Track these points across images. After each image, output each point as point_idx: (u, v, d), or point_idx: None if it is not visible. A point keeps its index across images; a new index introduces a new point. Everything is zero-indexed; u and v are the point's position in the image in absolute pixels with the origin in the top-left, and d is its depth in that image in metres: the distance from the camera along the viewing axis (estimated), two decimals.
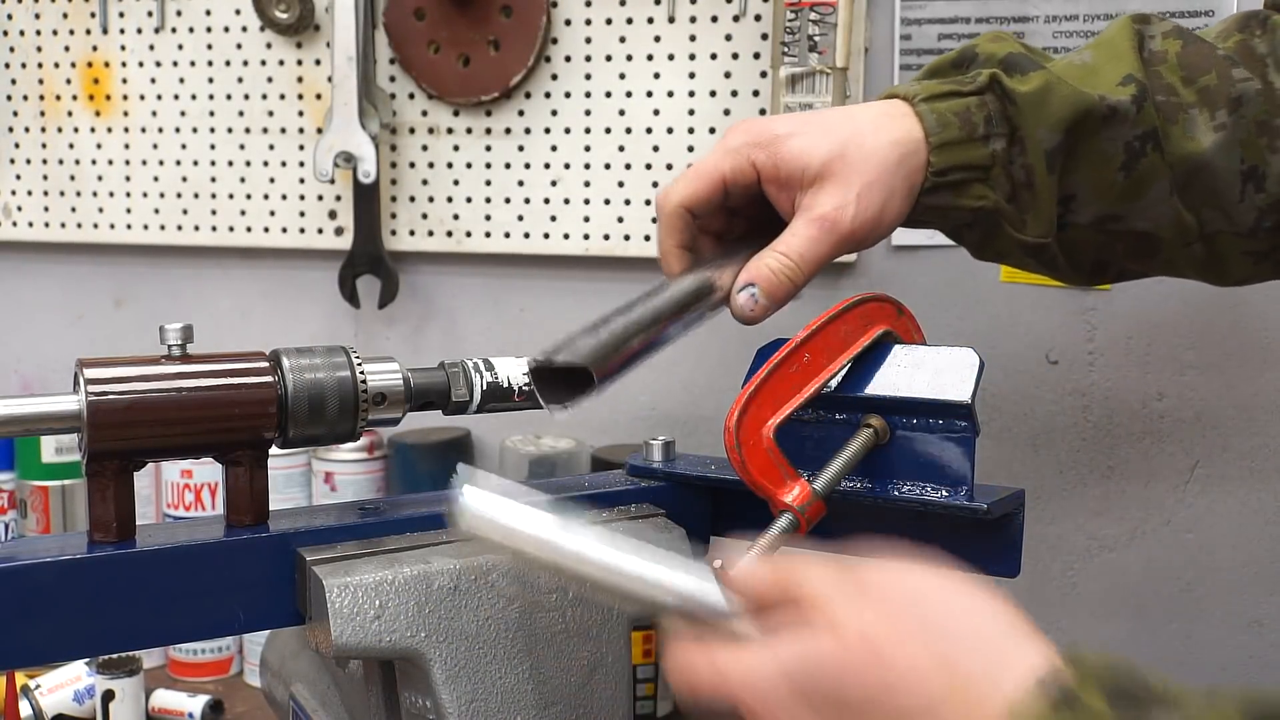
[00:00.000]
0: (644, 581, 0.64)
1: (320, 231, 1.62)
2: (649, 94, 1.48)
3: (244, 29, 1.62)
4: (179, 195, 1.68)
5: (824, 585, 0.61)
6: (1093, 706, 0.51)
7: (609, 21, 1.48)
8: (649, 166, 1.49)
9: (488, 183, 1.55)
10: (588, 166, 1.51)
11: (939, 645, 0.56)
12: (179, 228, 1.68)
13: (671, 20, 1.46)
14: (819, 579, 0.61)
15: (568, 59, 1.50)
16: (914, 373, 0.79)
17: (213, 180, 1.66)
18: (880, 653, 0.57)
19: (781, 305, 0.84)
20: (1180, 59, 0.90)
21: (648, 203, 1.49)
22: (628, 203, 1.50)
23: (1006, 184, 0.87)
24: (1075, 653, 0.55)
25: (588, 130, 1.51)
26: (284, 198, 1.63)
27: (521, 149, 1.54)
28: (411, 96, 1.56)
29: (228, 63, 1.63)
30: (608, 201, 1.51)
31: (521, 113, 1.53)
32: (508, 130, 1.54)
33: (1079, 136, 0.87)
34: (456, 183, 1.57)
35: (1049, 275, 0.95)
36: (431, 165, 1.57)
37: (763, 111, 1.43)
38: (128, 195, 1.70)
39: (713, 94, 1.46)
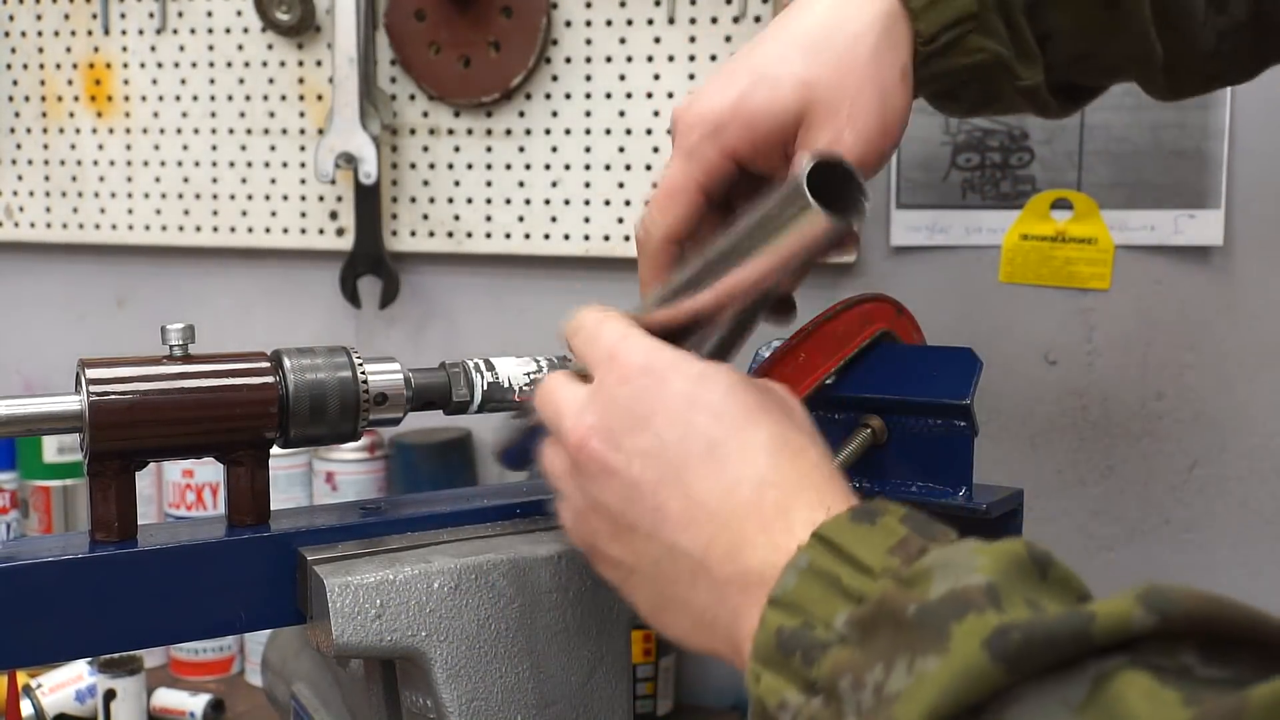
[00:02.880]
0: None
1: (321, 232, 1.62)
2: (649, 95, 1.48)
3: (245, 30, 1.62)
4: (180, 196, 1.68)
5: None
6: (890, 524, 0.53)
7: (609, 23, 1.49)
8: (649, 167, 1.49)
9: (488, 184, 1.56)
10: (588, 167, 1.51)
11: (715, 486, 0.59)
12: (180, 228, 1.69)
13: (671, 21, 1.46)
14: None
15: (568, 60, 1.51)
16: (913, 373, 0.80)
17: (214, 181, 1.67)
18: (657, 495, 0.60)
19: None
20: None
21: (648, 203, 1.49)
22: (628, 203, 1.50)
23: (1001, 26, 0.75)
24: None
25: (588, 131, 1.51)
26: (285, 198, 1.64)
27: (522, 150, 1.54)
28: (412, 97, 1.57)
29: (229, 64, 1.63)
30: (608, 202, 1.51)
31: (522, 114, 1.53)
32: (508, 131, 1.54)
33: None
34: (457, 184, 1.57)
35: (1040, 115, 0.84)
36: (432, 166, 1.58)
37: None
38: (129, 196, 1.70)
39: None
